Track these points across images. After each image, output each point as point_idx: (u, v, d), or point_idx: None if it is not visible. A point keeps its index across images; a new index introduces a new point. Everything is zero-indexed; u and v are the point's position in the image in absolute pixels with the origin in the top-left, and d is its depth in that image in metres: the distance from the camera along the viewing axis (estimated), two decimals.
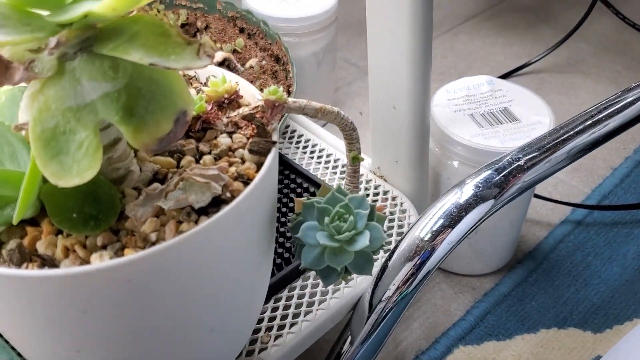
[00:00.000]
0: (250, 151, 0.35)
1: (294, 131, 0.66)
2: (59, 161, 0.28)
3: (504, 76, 0.93)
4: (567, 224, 0.71)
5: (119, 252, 0.31)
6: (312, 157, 0.63)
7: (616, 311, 0.62)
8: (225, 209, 0.31)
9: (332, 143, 0.65)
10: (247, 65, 0.67)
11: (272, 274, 0.51)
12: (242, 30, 0.72)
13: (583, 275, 0.66)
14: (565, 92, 0.91)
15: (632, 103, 0.56)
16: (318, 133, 0.66)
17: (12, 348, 0.38)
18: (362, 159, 0.41)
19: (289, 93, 0.62)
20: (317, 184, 0.59)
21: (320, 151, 0.64)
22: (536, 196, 0.72)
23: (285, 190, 0.59)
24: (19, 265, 0.30)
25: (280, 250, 0.53)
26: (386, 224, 0.57)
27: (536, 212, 0.73)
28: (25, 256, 0.31)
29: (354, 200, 0.37)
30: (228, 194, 0.33)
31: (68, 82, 0.29)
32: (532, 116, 0.59)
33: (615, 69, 0.96)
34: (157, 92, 0.29)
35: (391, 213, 0.58)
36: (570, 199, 0.74)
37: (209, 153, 0.36)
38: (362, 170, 0.62)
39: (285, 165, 0.61)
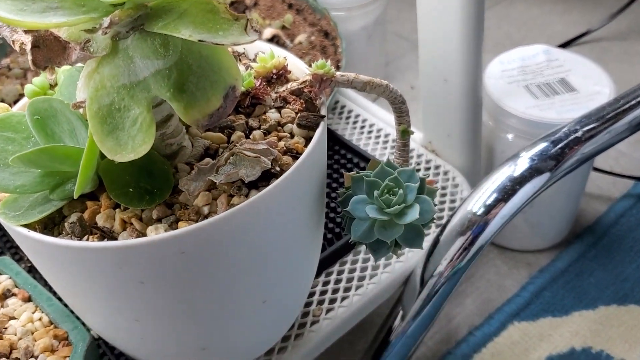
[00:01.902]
0: (299, 125, 0.35)
1: (343, 106, 0.66)
2: (115, 137, 0.29)
3: (563, 46, 0.90)
4: (629, 198, 0.69)
5: (173, 225, 0.32)
6: (362, 132, 0.63)
7: None
8: (274, 183, 0.32)
9: (383, 118, 0.65)
10: (296, 41, 0.67)
11: (323, 249, 0.51)
12: (290, 6, 0.72)
13: None
14: (628, 61, 0.87)
15: None
16: (368, 108, 0.66)
17: (77, 318, 0.40)
18: (412, 133, 0.40)
19: (337, 68, 0.62)
20: (367, 159, 0.59)
21: (370, 126, 0.64)
22: (595, 169, 0.70)
23: (335, 166, 0.59)
24: (80, 237, 0.32)
25: (330, 225, 0.54)
26: (438, 199, 0.57)
27: (596, 185, 0.70)
28: (86, 229, 0.32)
29: (404, 173, 0.37)
30: (277, 168, 0.33)
31: (122, 61, 0.29)
32: (591, 86, 0.57)
33: None
34: (206, 68, 0.30)
35: (443, 188, 0.58)
36: (632, 172, 0.71)
37: (259, 128, 0.36)
38: (412, 145, 0.62)
39: (335, 141, 0.61)
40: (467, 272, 0.64)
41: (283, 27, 0.68)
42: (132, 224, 0.32)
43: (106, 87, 0.29)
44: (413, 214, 0.36)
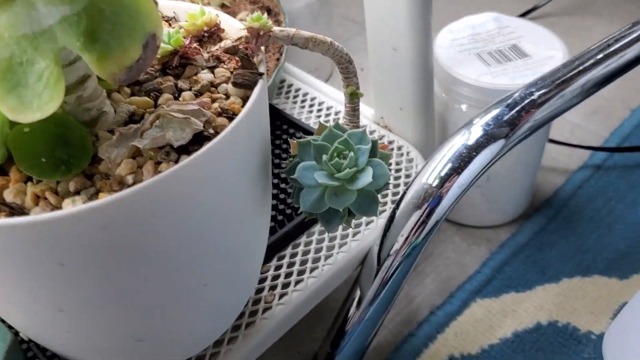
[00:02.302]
0: (235, 84, 0.32)
1: (290, 85, 0.63)
2: (17, 94, 0.25)
3: None
4: (586, 169, 0.68)
5: (93, 197, 0.28)
6: (312, 111, 0.60)
7: None
8: (208, 145, 0.28)
9: (332, 96, 0.62)
10: (237, 19, 0.63)
11: (274, 231, 0.48)
12: None
13: (606, 220, 0.62)
14: (576, 35, 0.87)
15: None
16: (316, 86, 0.63)
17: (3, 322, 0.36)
18: (361, 95, 0.38)
19: (281, 46, 0.59)
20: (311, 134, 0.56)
21: (319, 104, 0.61)
22: (551, 141, 0.69)
23: (285, 145, 0.56)
24: None
25: (281, 206, 0.50)
26: (393, 174, 0.54)
27: (552, 158, 0.69)
28: None
29: (354, 135, 0.34)
30: (211, 130, 0.30)
31: (21, 7, 0.25)
32: (544, 51, 0.55)
33: (628, 10, 0.91)
34: (121, 13, 0.26)
35: (397, 163, 0.55)
36: (588, 144, 0.70)
37: (190, 90, 0.33)
38: (365, 121, 0.59)
39: (283, 120, 0.58)
40: (425, 250, 0.62)
41: (223, 5, 0.65)
42: (46, 198, 0.28)
43: (4, 38, 0.25)
44: (366, 178, 0.33)
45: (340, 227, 0.49)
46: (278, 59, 0.57)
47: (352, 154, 0.33)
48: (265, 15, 0.33)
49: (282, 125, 0.58)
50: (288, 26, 0.61)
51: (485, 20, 0.59)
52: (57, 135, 0.29)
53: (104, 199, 0.26)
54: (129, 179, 0.28)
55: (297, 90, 0.62)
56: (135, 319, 0.32)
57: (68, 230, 0.26)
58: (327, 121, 0.59)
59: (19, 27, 0.25)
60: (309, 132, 0.57)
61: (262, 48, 0.34)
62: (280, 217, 0.49)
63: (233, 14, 0.64)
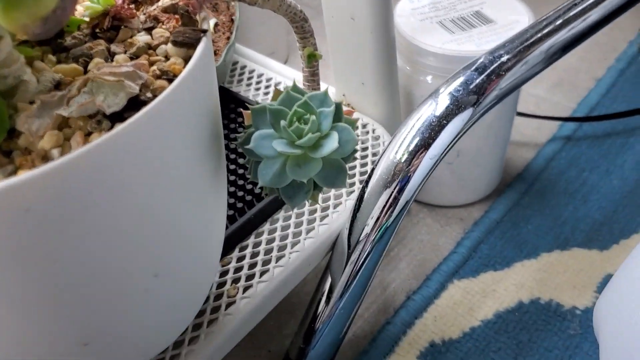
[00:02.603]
0: (175, 43, 0.28)
1: (244, 67, 0.59)
2: None
3: None
4: (556, 141, 0.65)
5: (11, 176, 0.23)
6: (269, 93, 0.56)
7: (621, 225, 0.57)
8: (145, 108, 0.24)
9: (290, 76, 0.58)
10: None
11: (234, 220, 0.44)
12: None
13: (581, 191, 0.60)
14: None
15: None
16: (271, 66, 0.59)
17: None
18: (320, 56, 0.34)
19: (231, 21, 0.55)
20: None
21: (277, 85, 0.57)
22: (520, 114, 0.66)
23: (240, 129, 0.52)
24: None
25: (240, 193, 0.46)
26: (359, 153, 0.51)
27: (520, 132, 0.67)
28: None
29: (315, 98, 0.30)
30: (149, 94, 0.26)
31: None
32: (508, 16, 0.52)
33: None
34: None
35: (363, 142, 0.51)
36: (555, 115, 0.68)
37: (124, 54, 0.28)
38: None
39: (238, 103, 0.54)
40: (398, 234, 0.58)
41: None
42: None
43: None
44: (331, 144, 0.29)
45: (306, 210, 0.46)
46: (228, 38, 0.53)
47: (313, 117, 0.29)
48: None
49: (236, 108, 0.54)
50: (238, 5, 0.57)
51: None
52: None
53: (24, 175, 0.22)
54: (55, 153, 0.24)
55: (252, 71, 0.59)
56: (76, 320, 0.28)
57: None
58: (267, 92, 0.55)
59: None
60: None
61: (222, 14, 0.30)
62: (240, 205, 0.45)
63: None
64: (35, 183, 0.22)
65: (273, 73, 0.58)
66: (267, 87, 0.57)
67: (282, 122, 0.29)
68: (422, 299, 0.51)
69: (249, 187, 0.47)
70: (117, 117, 0.25)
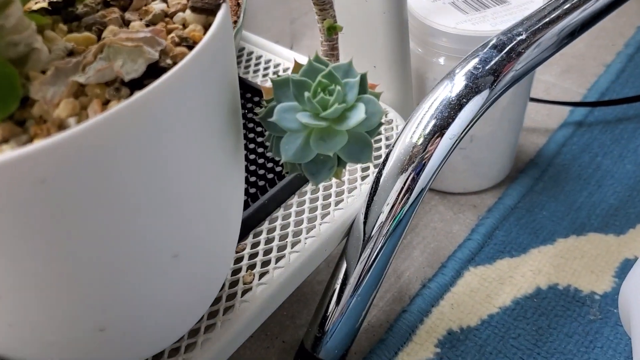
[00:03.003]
0: (194, 9, 0.26)
1: (251, 53, 0.58)
2: None
3: None
4: (567, 127, 0.64)
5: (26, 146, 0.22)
6: (267, 74, 0.55)
7: (637, 209, 0.56)
8: (166, 75, 0.23)
9: (291, 58, 0.56)
10: None
11: (247, 206, 0.43)
12: None
13: (595, 176, 0.59)
14: None
15: None
16: (279, 52, 0.58)
17: None
18: (340, 28, 0.33)
19: (238, 5, 0.53)
20: None
21: (284, 71, 0.56)
22: (532, 100, 0.65)
23: (250, 115, 0.50)
24: None
25: (252, 178, 0.45)
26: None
27: (531, 118, 0.66)
28: None
29: (338, 69, 0.29)
30: (169, 61, 0.24)
31: None
32: None
33: None
34: None
35: None
36: (566, 101, 0.67)
37: (139, 21, 0.27)
38: None
39: (247, 88, 0.52)
40: (410, 222, 0.57)
41: None
42: None
43: None
44: (358, 115, 0.28)
45: (320, 195, 0.44)
46: (235, 22, 0.52)
47: (339, 88, 0.28)
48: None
49: (245, 93, 0.52)
50: (246, 5, 0.55)
51: None
52: None
53: (40, 143, 0.20)
54: (71, 122, 0.23)
55: (259, 57, 0.57)
56: (92, 302, 0.26)
57: None
58: None
59: None
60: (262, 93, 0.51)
61: None
62: (252, 190, 0.44)
63: None
64: (51, 152, 0.21)
65: (281, 59, 0.57)
66: (275, 72, 0.55)
67: (306, 94, 0.28)
68: (438, 287, 0.50)
69: (261, 172, 0.45)
70: (136, 84, 0.24)
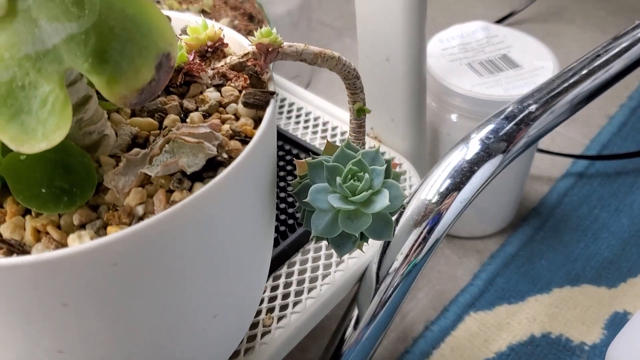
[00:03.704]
0: (246, 104, 0.30)
1: (280, 98, 0.61)
2: (20, 122, 0.23)
3: None
4: (569, 177, 0.68)
5: (100, 231, 0.26)
6: (299, 122, 0.58)
7: (629, 264, 0.59)
8: (224, 172, 0.26)
9: (318, 105, 0.60)
10: (218, 27, 0.61)
11: None
12: None
13: (592, 229, 0.62)
14: (551, 42, 0.87)
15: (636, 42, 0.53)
16: (300, 94, 0.61)
17: None
18: (369, 111, 0.36)
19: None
20: (310, 152, 0.54)
21: (306, 114, 0.59)
22: (539, 150, 0.69)
23: (281, 163, 0.54)
24: None
25: (275, 223, 0.48)
26: None
27: (535, 167, 0.69)
28: None
29: (367, 155, 0.33)
30: (225, 155, 0.28)
31: (23, 25, 0.23)
32: (534, 61, 0.55)
33: (599, 15, 0.92)
34: (133, 31, 0.24)
35: None
36: (569, 151, 0.71)
37: (196, 110, 0.31)
38: None
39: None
40: (420, 272, 0.61)
41: (203, 12, 0.62)
42: (48, 233, 0.25)
43: (4, 59, 0.23)
44: (382, 201, 0.31)
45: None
46: None
47: (367, 175, 0.32)
48: (275, 30, 0.31)
49: None
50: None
51: (474, 29, 0.59)
52: (56, 162, 0.26)
53: (115, 234, 0.24)
54: (139, 210, 0.26)
55: (283, 100, 0.61)
56: (141, 356, 0.30)
57: (74, 268, 0.24)
58: (314, 132, 0.58)
59: (21, 47, 0.23)
60: (296, 143, 0.55)
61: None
62: (274, 235, 0.48)
63: (214, 21, 0.62)
64: (124, 241, 0.24)
65: (303, 102, 0.60)
66: (297, 116, 0.59)
67: (338, 179, 0.31)
68: (439, 330, 0.54)
69: (282, 217, 0.49)
70: (196, 175, 0.27)
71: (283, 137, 0.56)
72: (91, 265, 0.24)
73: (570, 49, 0.86)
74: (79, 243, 0.24)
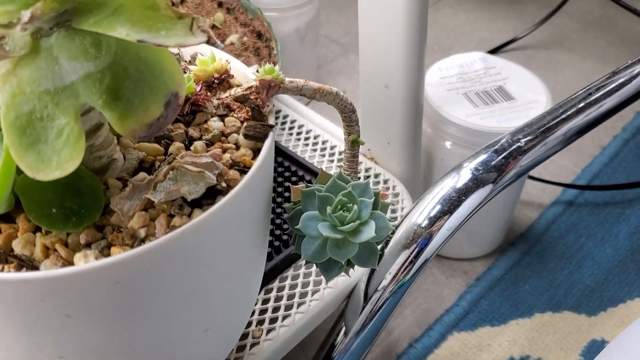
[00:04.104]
0: (246, 136, 0.32)
1: (278, 111, 0.63)
2: (37, 151, 0.25)
3: (490, 52, 0.91)
4: (558, 205, 0.70)
5: (104, 251, 0.28)
6: (299, 139, 0.61)
7: (610, 293, 0.61)
8: (222, 201, 0.28)
9: (319, 124, 0.62)
10: (227, 41, 0.63)
11: None
12: (220, 5, 0.68)
13: (576, 257, 0.65)
14: (552, 69, 0.89)
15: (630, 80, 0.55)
16: (304, 113, 0.63)
17: None
18: (362, 143, 0.38)
19: (268, 47, 0.59)
20: (309, 170, 0.56)
21: (307, 132, 0.61)
22: (530, 177, 0.71)
23: (279, 179, 0.56)
24: None
25: (269, 238, 0.51)
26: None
27: (526, 192, 0.71)
28: (0, 257, 0.27)
29: (357, 187, 0.35)
30: (223, 184, 0.30)
31: (44, 62, 0.25)
32: (528, 94, 0.57)
33: (600, 45, 0.94)
34: (145, 71, 0.26)
35: None
36: (560, 179, 0.73)
37: (200, 138, 0.33)
38: None
39: (276, 151, 0.58)
40: (407, 292, 0.63)
41: (213, 27, 0.65)
42: (56, 250, 0.28)
43: (25, 92, 0.25)
44: (369, 232, 0.33)
45: None
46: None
47: (355, 206, 0.34)
48: (277, 67, 0.33)
49: (275, 157, 0.58)
50: (280, 52, 0.61)
51: (473, 60, 0.61)
52: (67, 184, 0.29)
53: (118, 255, 0.26)
54: (142, 232, 0.28)
55: (285, 116, 0.63)
56: None
57: (80, 285, 0.26)
58: (314, 149, 0.60)
59: (42, 82, 0.25)
60: (300, 163, 0.57)
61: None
62: (268, 250, 0.50)
63: (223, 36, 0.64)
64: (126, 262, 0.26)
65: (305, 120, 0.62)
66: (298, 133, 0.61)
67: (328, 209, 0.33)
68: (423, 348, 0.56)
69: (277, 232, 0.51)
70: (195, 202, 0.29)
71: (283, 153, 0.58)
72: (95, 283, 0.26)
73: (570, 77, 0.88)
74: (85, 262, 0.27)
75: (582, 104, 0.52)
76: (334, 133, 0.61)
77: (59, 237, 0.28)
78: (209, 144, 0.33)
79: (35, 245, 0.28)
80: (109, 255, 0.27)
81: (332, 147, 0.59)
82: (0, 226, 0.29)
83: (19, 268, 0.27)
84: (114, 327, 0.29)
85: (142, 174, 0.30)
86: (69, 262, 0.27)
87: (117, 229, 0.29)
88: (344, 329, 0.49)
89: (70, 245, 0.28)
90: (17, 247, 0.28)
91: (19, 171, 0.28)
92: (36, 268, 0.27)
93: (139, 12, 0.25)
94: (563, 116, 0.51)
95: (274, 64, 0.60)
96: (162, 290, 0.28)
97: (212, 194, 0.30)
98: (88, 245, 0.28)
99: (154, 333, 0.30)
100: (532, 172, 0.73)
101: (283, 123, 0.62)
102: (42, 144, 0.25)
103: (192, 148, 0.32)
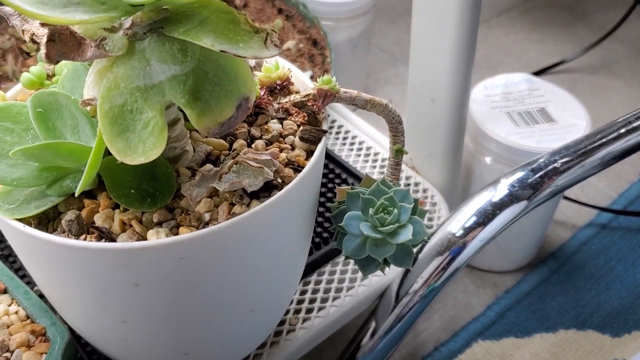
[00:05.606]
0: (301, 139, 0.36)
1: (330, 119, 0.67)
2: (125, 139, 0.29)
3: (537, 73, 0.93)
4: (592, 227, 0.72)
5: (173, 230, 0.32)
6: (345, 144, 0.64)
7: (636, 317, 0.63)
8: (277, 195, 0.32)
9: (366, 131, 0.65)
10: (284, 47, 0.67)
11: None
12: (280, 11, 0.72)
13: (605, 279, 0.66)
14: (597, 94, 0.91)
15: None
16: (356, 123, 0.67)
17: (54, 312, 0.40)
18: (406, 152, 0.41)
19: (322, 55, 0.63)
20: (352, 174, 0.59)
21: (352, 138, 0.65)
22: (565, 198, 0.73)
23: (323, 180, 0.59)
24: (77, 236, 0.31)
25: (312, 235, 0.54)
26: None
27: (562, 213, 0.73)
28: (84, 227, 0.31)
29: (399, 193, 0.38)
30: (279, 180, 0.34)
31: (138, 62, 0.29)
32: (569, 118, 0.59)
33: None
34: (222, 77, 0.30)
35: None
36: (596, 202, 0.74)
37: (260, 137, 0.36)
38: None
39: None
40: (436, 297, 0.65)
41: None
42: (131, 226, 0.32)
43: (119, 87, 0.29)
44: (406, 234, 0.37)
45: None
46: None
47: (395, 210, 0.37)
48: (334, 78, 0.37)
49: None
50: (333, 60, 0.65)
51: (518, 80, 0.63)
52: (145, 170, 0.33)
53: (186, 234, 0.30)
54: (206, 216, 0.32)
55: (333, 121, 0.66)
56: (187, 336, 0.36)
57: (150, 258, 0.30)
58: (358, 155, 0.63)
59: (134, 80, 0.29)
60: (345, 167, 0.60)
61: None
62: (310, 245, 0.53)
63: (281, 41, 0.68)
64: (192, 241, 0.30)
65: (352, 126, 0.66)
66: (344, 138, 0.64)
67: (371, 210, 0.37)
68: (447, 352, 0.58)
69: (319, 230, 0.54)
70: (254, 193, 0.33)
71: (328, 156, 0.61)
72: (163, 257, 0.30)
73: (615, 103, 0.89)
74: (156, 238, 0.31)
75: (622, 130, 0.54)
76: (378, 140, 0.64)
77: (135, 214, 0.32)
78: (268, 143, 0.36)
79: (114, 220, 0.32)
80: (177, 234, 0.31)
81: (375, 154, 0.63)
82: (84, 201, 0.33)
83: (99, 239, 0.31)
84: (174, 299, 0.33)
85: (209, 166, 0.34)
86: (143, 237, 0.31)
87: (186, 211, 0.32)
88: (373, 326, 0.52)
89: (144, 223, 0.32)
90: (99, 220, 0.32)
91: (103, 155, 0.33)
92: (114, 240, 0.31)
93: (222, 24, 0.29)
94: (601, 141, 0.53)
95: (327, 71, 0.64)
96: (219, 269, 0.32)
97: (268, 188, 0.33)
98: (159, 224, 0.32)
99: (207, 307, 0.34)
100: (569, 194, 0.75)
101: (330, 128, 0.66)
102: (130, 132, 0.29)
103: (253, 146, 0.36)
